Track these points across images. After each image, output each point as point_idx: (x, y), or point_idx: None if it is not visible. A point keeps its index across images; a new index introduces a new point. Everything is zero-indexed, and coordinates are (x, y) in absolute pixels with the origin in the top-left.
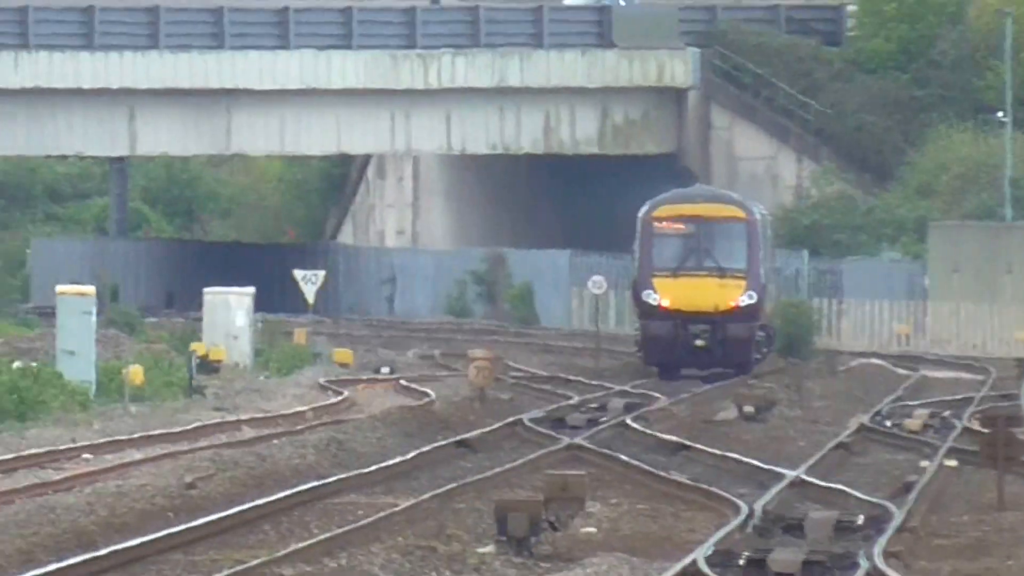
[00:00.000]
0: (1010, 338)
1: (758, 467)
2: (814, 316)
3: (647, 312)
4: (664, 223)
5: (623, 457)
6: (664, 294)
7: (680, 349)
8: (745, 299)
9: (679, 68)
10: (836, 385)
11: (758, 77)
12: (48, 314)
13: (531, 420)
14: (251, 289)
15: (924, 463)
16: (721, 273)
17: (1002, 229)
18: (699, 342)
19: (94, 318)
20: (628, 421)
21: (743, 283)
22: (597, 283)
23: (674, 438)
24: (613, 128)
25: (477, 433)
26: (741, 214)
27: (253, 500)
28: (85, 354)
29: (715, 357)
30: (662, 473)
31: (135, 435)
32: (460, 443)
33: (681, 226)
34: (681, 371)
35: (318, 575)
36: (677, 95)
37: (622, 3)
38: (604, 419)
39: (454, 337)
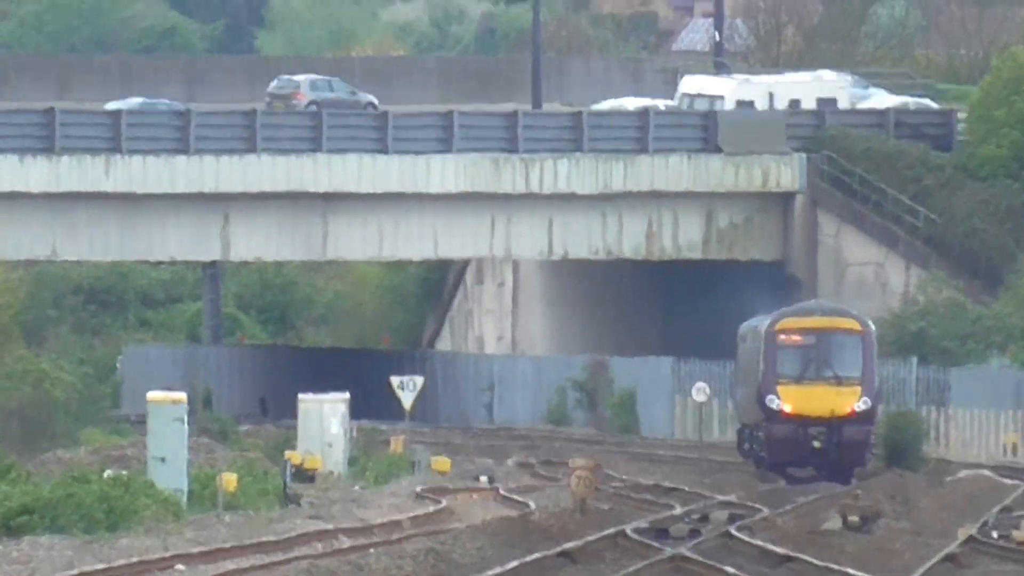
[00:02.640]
0: None
1: None
2: (922, 425)
3: (770, 416)
4: (786, 335)
5: (727, 568)
6: (787, 400)
7: (800, 450)
8: (861, 405)
9: (785, 173)
10: (943, 495)
11: (866, 182)
12: (140, 422)
13: (633, 530)
14: (346, 395)
15: None
16: (838, 381)
17: None
18: (816, 443)
19: (186, 425)
20: (732, 531)
21: (859, 390)
22: (701, 390)
23: (778, 549)
24: (717, 233)
25: (578, 543)
26: (857, 327)
27: None
28: (177, 462)
29: (831, 458)
30: None
31: (229, 545)
32: (561, 554)
33: (801, 338)
34: (788, 470)
35: None
36: (783, 200)
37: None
38: (708, 529)
39: (554, 445)
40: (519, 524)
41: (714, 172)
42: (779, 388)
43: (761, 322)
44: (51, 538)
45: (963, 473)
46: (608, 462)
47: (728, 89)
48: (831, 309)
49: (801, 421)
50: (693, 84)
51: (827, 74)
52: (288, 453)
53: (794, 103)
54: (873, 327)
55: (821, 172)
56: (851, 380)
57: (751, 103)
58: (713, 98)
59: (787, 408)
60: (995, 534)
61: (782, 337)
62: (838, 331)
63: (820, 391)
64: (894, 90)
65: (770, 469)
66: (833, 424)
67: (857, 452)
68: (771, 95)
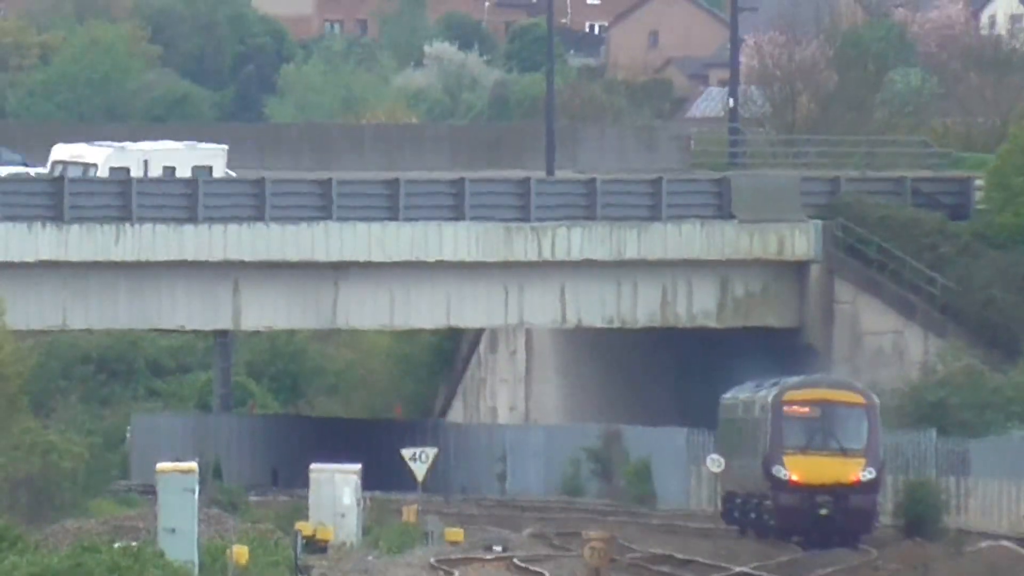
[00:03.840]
0: None
1: None
2: (941, 495)
3: (777, 485)
4: (793, 406)
5: None
6: (793, 469)
7: (807, 518)
8: (866, 475)
9: (800, 241)
10: (964, 566)
11: (883, 250)
12: (149, 492)
13: None
14: (357, 466)
15: None
16: (844, 452)
17: None
18: (823, 511)
19: (196, 496)
20: None
21: (863, 460)
22: (716, 461)
23: None
24: (732, 301)
25: None
26: (861, 400)
27: None
28: (187, 533)
29: (838, 525)
30: None
31: None
32: None
33: (807, 409)
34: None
35: None
36: (798, 268)
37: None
38: None
39: (568, 516)
40: None
41: (728, 239)
42: (785, 458)
43: (756, 392)
44: None
45: (984, 544)
46: (623, 533)
47: (102, 157)
48: (835, 382)
49: (808, 490)
50: (65, 151)
51: (203, 144)
52: (299, 524)
53: (168, 171)
54: (877, 399)
55: (836, 240)
56: (855, 451)
57: (127, 170)
58: (87, 165)
59: (794, 477)
60: None
61: (788, 409)
62: (842, 403)
63: (826, 461)
64: (911, 159)
65: (777, 537)
66: (839, 492)
67: (863, 520)
68: (146, 162)
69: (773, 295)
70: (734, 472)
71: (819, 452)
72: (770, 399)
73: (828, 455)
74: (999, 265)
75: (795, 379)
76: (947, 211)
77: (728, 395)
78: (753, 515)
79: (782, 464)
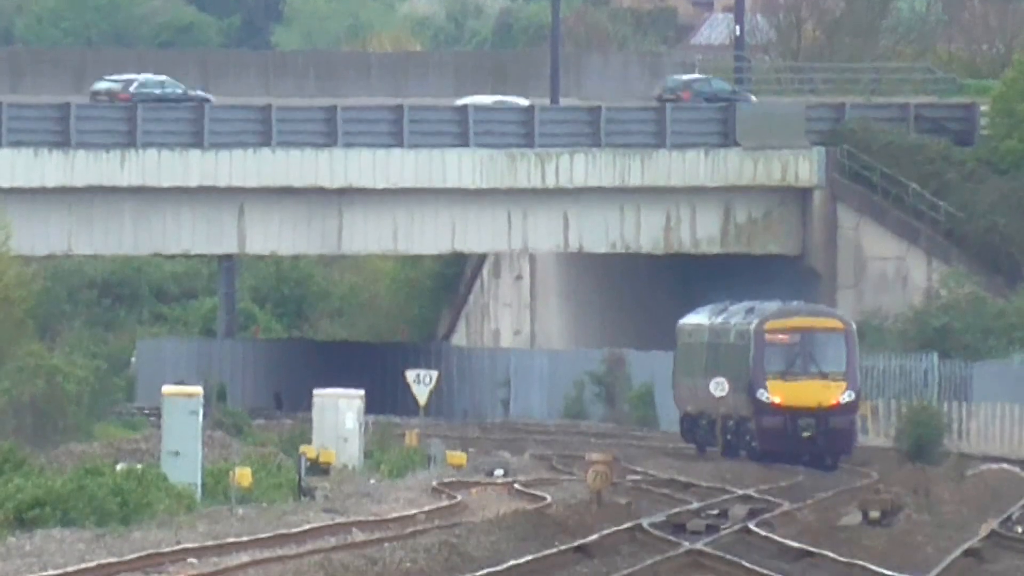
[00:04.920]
0: None
1: (884, 574)
2: (943, 419)
3: (761, 409)
4: (774, 334)
5: (744, 563)
6: (775, 393)
7: (789, 440)
8: (845, 397)
9: (804, 167)
10: (965, 490)
11: (887, 176)
12: (154, 415)
13: (650, 525)
14: (360, 391)
15: None
16: (824, 375)
17: None
18: (806, 433)
19: (200, 419)
20: (751, 526)
21: (843, 384)
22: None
23: (797, 544)
24: (735, 227)
25: (595, 538)
26: (840, 325)
27: None
28: (191, 455)
29: (819, 446)
30: None
31: (242, 538)
32: (577, 548)
33: (787, 336)
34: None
35: None
36: (802, 194)
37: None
38: (725, 524)
39: (571, 439)
40: (535, 518)
41: (732, 166)
42: (768, 383)
43: (726, 317)
44: (63, 531)
45: (985, 467)
46: (626, 456)
47: None
48: (814, 309)
49: (790, 412)
50: None
51: None
52: (303, 447)
53: None
54: (854, 326)
55: (840, 166)
56: (836, 375)
57: None
58: None
59: (776, 400)
60: (1019, 529)
61: (770, 336)
62: (822, 330)
63: (807, 385)
64: (916, 85)
65: (760, 459)
66: (820, 415)
67: (843, 440)
68: None
69: (776, 221)
70: (699, 394)
71: (800, 376)
72: (752, 327)
73: (809, 379)
74: (1003, 191)
75: (773, 306)
76: (951, 137)
77: (688, 320)
78: (730, 437)
79: (765, 388)
